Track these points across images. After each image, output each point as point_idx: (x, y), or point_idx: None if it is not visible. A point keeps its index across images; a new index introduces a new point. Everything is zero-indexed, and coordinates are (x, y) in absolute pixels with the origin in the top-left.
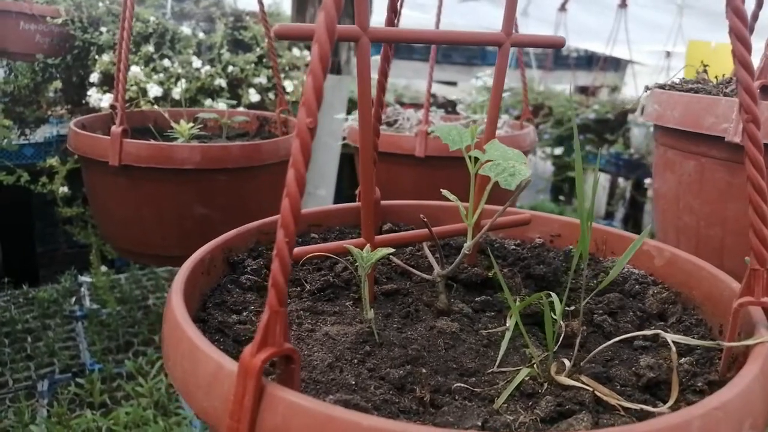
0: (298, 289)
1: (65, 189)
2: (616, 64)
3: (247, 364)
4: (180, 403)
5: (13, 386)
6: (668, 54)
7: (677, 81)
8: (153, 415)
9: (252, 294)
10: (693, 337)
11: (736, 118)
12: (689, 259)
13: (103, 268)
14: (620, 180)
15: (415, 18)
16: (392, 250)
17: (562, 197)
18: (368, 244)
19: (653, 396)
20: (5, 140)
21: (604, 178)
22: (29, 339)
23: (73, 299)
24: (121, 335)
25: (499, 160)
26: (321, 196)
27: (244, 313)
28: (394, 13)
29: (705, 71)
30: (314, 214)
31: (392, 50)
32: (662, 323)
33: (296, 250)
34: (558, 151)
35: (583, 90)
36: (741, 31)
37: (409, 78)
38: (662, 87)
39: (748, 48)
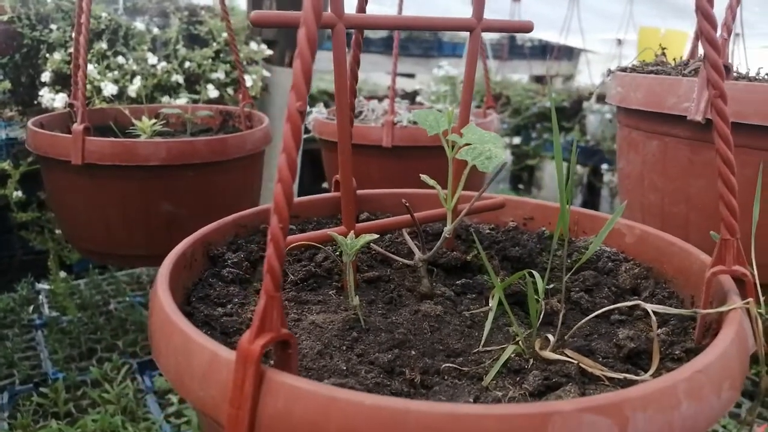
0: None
1: (19, 193)
2: (570, 53)
3: (246, 350)
4: (148, 408)
5: None
6: (620, 42)
7: (637, 64)
8: (122, 422)
9: (235, 287)
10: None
11: (697, 97)
12: (659, 236)
13: (62, 274)
14: (578, 167)
15: (372, 11)
16: (375, 236)
17: (521, 186)
18: (351, 232)
19: (634, 365)
20: None
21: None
22: None
23: (32, 307)
24: (83, 342)
25: (476, 144)
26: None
27: (229, 306)
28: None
29: (663, 54)
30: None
31: (363, 37)
32: (636, 297)
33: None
34: (516, 140)
35: (538, 79)
36: (706, 8)
37: (367, 71)
38: (624, 70)
39: (714, 25)
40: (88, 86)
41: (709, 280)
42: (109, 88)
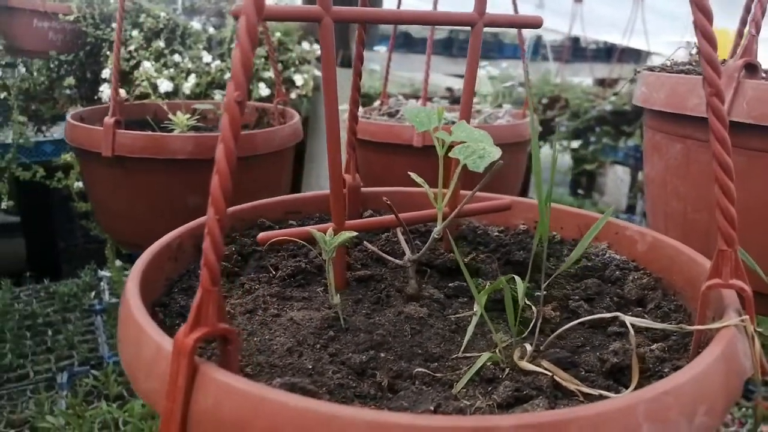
0: (270, 274)
1: (80, 184)
2: (636, 56)
3: (180, 343)
4: None
5: (34, 378)
6: (688, 44)
7: (668, 63)
8: None
9: (221, 279)
10: (671, 323)
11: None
12: (671, 244)
13: (118, 263)
14: (640, 174)
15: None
16: (354, 234)
17: (580, 191)
18: (330, 228)
19: (617, 382)
20: (21, 137)
21: (623, 172)
22: (50, 332)
23: (93, 293)
24: None
25: (471, 142)
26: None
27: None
28: None
29: (698, 53)
30: (292, 201)
31: (393, 40)
32: (640, 309)
33: (261, 235)
34: (575, 143)
35: (601, 82)
36: (702, 0)
37: (419, 71)
38: (652, 69)
39: (710, 18)
40: (145, 83)
41: (705, 294)
42: (165, 85)
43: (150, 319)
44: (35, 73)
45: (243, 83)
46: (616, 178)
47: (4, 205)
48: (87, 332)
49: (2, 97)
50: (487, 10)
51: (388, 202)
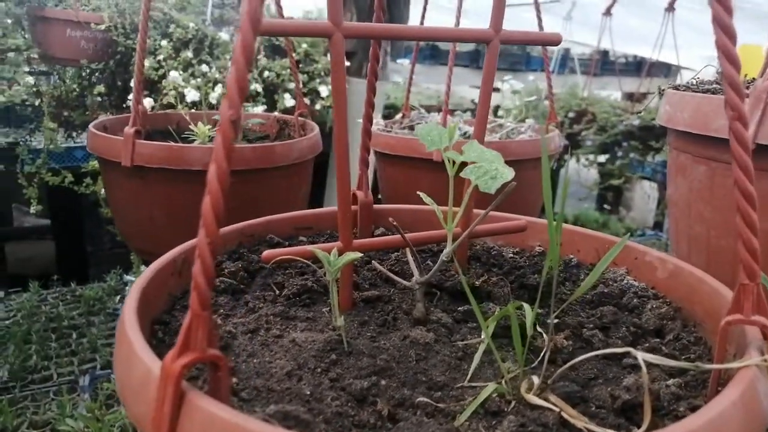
0: (274, 293)
1: None
2: (667, 70)
3: (167, 369)
4: None
5: (57, 380)
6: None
7: (694, 82)
8: None
9: (225, 297)
10: (689, 357)
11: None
12: (692, 272)
13: (143, 268)
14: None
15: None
16: (359, 255)
17: (607, 206)
18: (335, 248)
19: (629, 420)
20: (51, 143)
21: (650, 187)
22: (74, 335)
23: (118, 297)
24: None
25: (483, 162)
26: None
27: (213, 316)
28: (382, 11)
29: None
30: (303, 217)
31: (416, 53)
32: (658, 340)
33: (265, 253)
34: (602, 158)
35: (630, 96)
36: (724, 19)
37: (453, 84)
38: (676, 88)
39: (734, 40)
40: (173, 92)
41: (724, 330)
42: (192, 95)
43: (142, 340)
44: (67, 81)
45: (237, 102)
46: (644, 193)
47: (33, 209)
48: (110, 336)
49: (36, 103)
50: (509, 24)
51: (395, 223)
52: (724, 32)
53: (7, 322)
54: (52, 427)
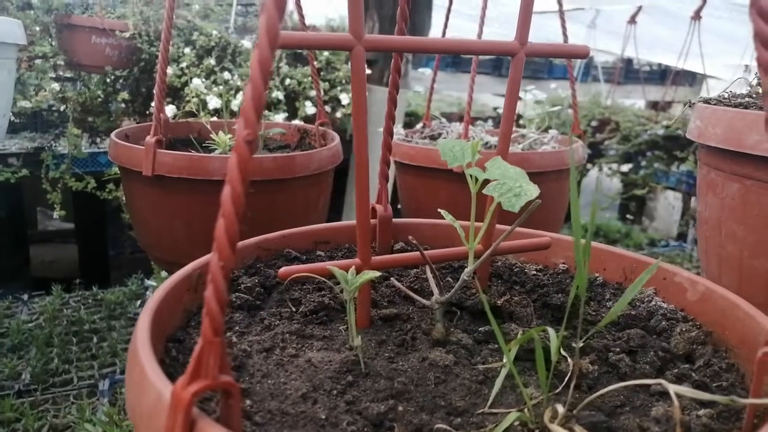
0: (291, 310)
1: None
2: (692, 79)
3: (177, 397)
4: None
5: (77, 383)
6: (747, 67)
7: (726, 95)
8: None
9: (241, 313)
10: (720, 384)
11: None
12: (724, 295)
13: (164, 273)
14: (693, 200)
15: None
16: (377, 273)
17: (629, 216)
18: (353, 266)
19: None
20: (75, 149)
21: (674, 197)
22: (95, 339)
23: (138, 302)
24: None
25: (506, 180)
26: None
27: (228, 334)
28: (404, 21)
29: (759, 84)
30: (322, 231)
31: (438, 62)
32: (688, 366)
33: (281, 270)
34: (625, 167)
35: (654, 105)
36: (766, 34)
37: (475, 92)
38: (707, 101)
39: None
40: (195, 99)
41: (761, 361)
42: (214, 102)
43: (154, 363)
44: (92, 87)
45: (253, 121)
46: (667, 204)
47: (56, 214)
48: (130, 340)
49: (62, 109)
50: (533, 32)
51: (414, 241)
52: (765, 47)
53: (29, 324)
54: (71, 430)
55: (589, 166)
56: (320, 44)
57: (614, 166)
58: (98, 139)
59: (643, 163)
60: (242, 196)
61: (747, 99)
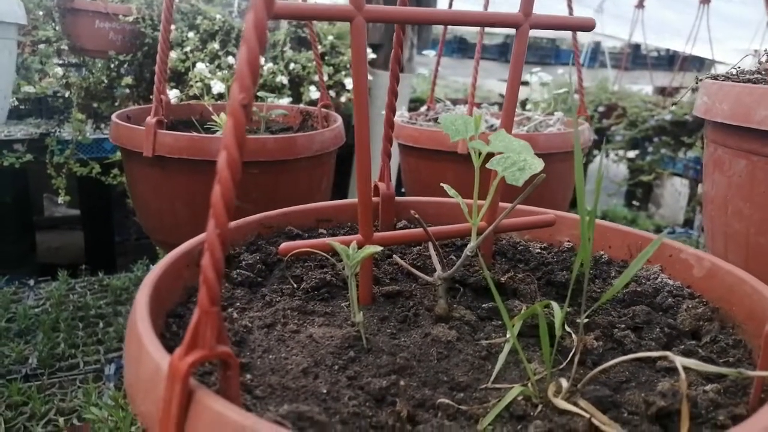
0: (292, 286)
1: None
2: (700, 64)
3: (174, 367)
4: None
5: (83, 368)
6: (756, 52)
7: (734, 71)
8: None
9: (242, 289)
10: (727, 360)
11: None
12: (731, 271)
13: None
14: (700, 186)
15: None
16: (379, 248)
17: (636, 202)
18: (354, 242)
19: (664, 428)
20: (79, 134)
21: (681, 184)
22: (101, 324)
23: None
24: None
25: (510, 153)
26: None
27: (229, 310)
28: None
29: None
30: (324, 209)
31: (442, 45)
32: (694, 342)
33: (282, 246)
34: (632, 153)
35: (662, 91)
36: None
37: (481, 77)
38: (715, 78)
39: None
40: (199, 84)
41: None
42: (218, 86)
43: (152, 335)
44: (96, 72)
45: (249, 85)
46: (674, 190)
47: (61, 199)
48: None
49: (66, 95)
50: (537, 13)
51: (417, 216)
52: None
53: (36, 310)
54: (78, 414)
55: (595, 152)
56: (318, 15)
57: (621, 152)
58: (102, 125)
59: (650, 149)
60: (238, 162)
61: (756, 75)
